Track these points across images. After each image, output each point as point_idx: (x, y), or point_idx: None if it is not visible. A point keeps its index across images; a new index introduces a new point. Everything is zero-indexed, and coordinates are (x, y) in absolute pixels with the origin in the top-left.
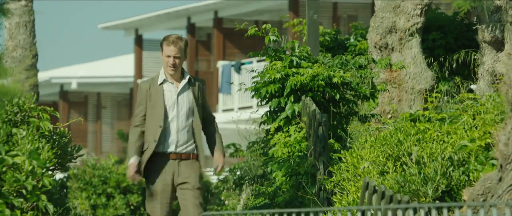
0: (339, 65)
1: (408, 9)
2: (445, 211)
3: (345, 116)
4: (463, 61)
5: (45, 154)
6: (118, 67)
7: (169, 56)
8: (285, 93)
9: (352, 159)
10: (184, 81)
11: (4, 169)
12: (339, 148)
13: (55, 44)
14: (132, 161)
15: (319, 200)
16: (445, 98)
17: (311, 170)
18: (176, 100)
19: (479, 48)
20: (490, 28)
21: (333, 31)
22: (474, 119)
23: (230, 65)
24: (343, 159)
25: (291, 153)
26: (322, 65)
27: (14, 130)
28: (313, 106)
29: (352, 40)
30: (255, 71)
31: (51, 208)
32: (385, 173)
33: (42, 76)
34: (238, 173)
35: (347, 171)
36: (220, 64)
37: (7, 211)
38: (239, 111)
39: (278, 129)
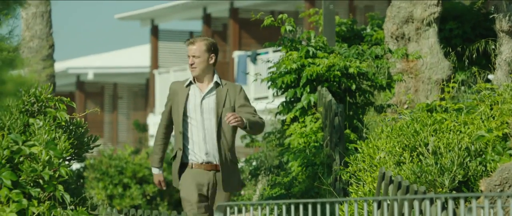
0: (355, 55)
1: None
2: (462, 201)
3: (361, 106)
4: (480, 51)
5: (61, 144)
6: (134, 58)
7: (188, 56)
8: (301, 84)
9: (368, 149)
10: (211, 85)
11: (21, 159)
12: (355, 139)
13: (71, 35)
14: (155, 172)
15: (335, 191)
16: (462, 88)
17: (327, 161)
18: (200, 105)
19: (496, 38)
20: (507, 18)
21: (349, 21)
22: (491, 109)
23: (246, 55)
24: (359, 149)
25: (307, 144)
26: (338, 55)
27: (31, 120)
28: (329, 97)
29: (368, 30)
30: (271, 62)
31: (67, 198)
32: (401, 164)
33: (58, 66)
34: (254, 163)
35: (363, 161)
36: (236, 54)
37: (24, 201)
38: (255, 102)
39: (294, 119)
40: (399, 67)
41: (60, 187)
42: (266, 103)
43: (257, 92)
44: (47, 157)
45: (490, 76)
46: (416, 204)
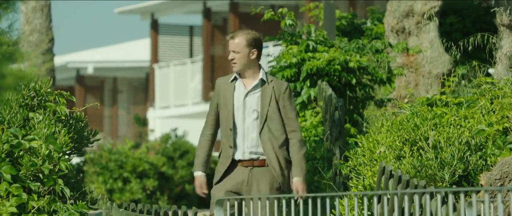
0: (355, 49)
1: None
2: (462, 195)
3: (362, 100)
4: (481, 45)
5: (61, 139)
6: (134, 52)
7: (229, 51)
8: (301, 78)
9: (368, 143)
10: (255, 81)
11: (21, 153)
12: (355, 133)
13: (71, 29)
14: (198, 174)
15: (335, 185)
16: (463, 82)
17: (327, 155)
18: (243, 102)
19: (497, 32)
20: (508, 11)
21: (349, 15)
22: (491, 103)
23: None
24: (359, 143)
25: (307, 138)
26: (338, 49)
27: (30, 114)
28: (329, 91)
29: (368, 24)
30: (271, 56)
31: (67, 192)
32: (401, 158)
33: (58, 60)
34: None
35: (363, 155)
36: None
37: (24, 195)
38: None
39: None
40: (400, 61)
41: (60, 181)
42: None
43: None
44: (47, 151)
45: (491, 70)
46: (416, 198)
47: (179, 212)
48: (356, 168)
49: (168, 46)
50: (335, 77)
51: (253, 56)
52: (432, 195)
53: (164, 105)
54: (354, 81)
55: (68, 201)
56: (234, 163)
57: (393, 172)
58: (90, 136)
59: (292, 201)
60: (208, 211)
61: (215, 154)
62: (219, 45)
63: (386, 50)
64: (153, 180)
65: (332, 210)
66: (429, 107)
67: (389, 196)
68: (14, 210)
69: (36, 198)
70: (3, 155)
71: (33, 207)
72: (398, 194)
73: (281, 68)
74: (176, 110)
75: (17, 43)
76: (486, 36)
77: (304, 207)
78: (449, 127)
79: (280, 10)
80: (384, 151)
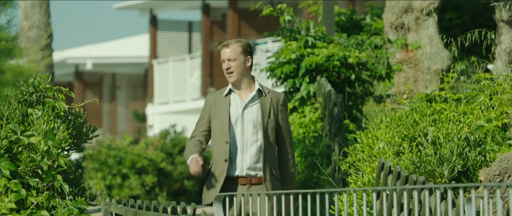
0: (354, 45)
1: None
2: (461, 191)
3: (361, 96)
4: (480, 41)
5: (60, 134)
6: (133, 48)
7: (223, 61)
8: (300, 74)
9: (367, 139)
10: (252, 93)
11: (20, 149)
12: (355, 129)
13: (70, 24)
14: (194, 155)
15: (334, 181)
16: (462, 78)
17: (326, 151)
18: (241, 115)
19: (496, 28)
20: (507, 7)
21: (348, 11)
22: (490, 99)
23: None
24: (358, 139)
25: (306, 134)
26: (338, 45)
27: (29, 110)
28: (328, 87)
29: (367, 20)
30: (270, 52)
31: (66, 188)
32: (400, 154)
33: (57, 56)
34: None
35: (363, 151)
36: None
37: (23, 191)
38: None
39: (293, 109)
40: (399, 57)
41: (59, 177)
42: None
43: None
44: (46, 147)
45: (490, 66)
46: (415, 194)
47: (178, 208)
48: (355, 164)
49: (167, 42)
50: (334, 73)
51: (249, 64)
52: (431, 191)
53: (163, 101)
54: (353, 77)
55: (67, 197)
56: (229, 180)
57: (392, 168)
58: (89, 132)
59: (291, 197)
60: (207, 208)
61: None
62: (218, 41)
63: (385, 46)
64: (152, 176)
65: (331, 206)
66: (428, 103)
67: (388, 192)
68: (13, 206)
69: (35, 194)
70: (2, 151)
71: (32, 203)
72: (397, 190)
73: (280, 64)
74: (175, 106)
75: (16, 38)
76: (484, 32)
77: (303, 203)
78: (448, 123)
79: (279, 6)
80: (383, 147)
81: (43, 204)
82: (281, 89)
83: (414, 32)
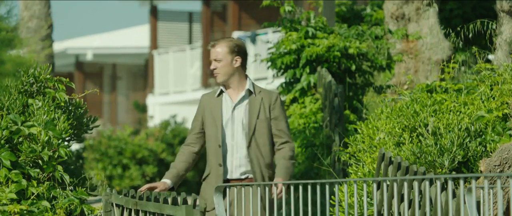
0: (355, 35)
1: None
2: (461, 182)
3: (361, 87)
4: (481, 31)
5: (61, 125)
6: (133, 38)
7: (211, 61)
8: (300, 64)
9: (367, 130)
10: (242, 93)
11: (20, 139)
12: (355, 119)
13: (70, 15)
14: (163, 180)
15: (334, 171)
16: (462, 68)
17: (326, 141)
18: (231, 116)
19: (497, 18)
20: None
21: (349, 1)
22: (491, 89)
23: (245, 36)
24: (358, 130)
25: (307, 124)
26: (338, 35)
27: (30, 100)
28: (329, 77)
29: (368, 10)
30: (271, 42)
31: (67, 178)
32: (401, 144)
33: (57, 46)
34: None
35: (363, 142)
36: (235, 35)
37: (24, 181)
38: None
39: (294, 100)
40: (399, 48)
41: (60, 167)
42: (265, 83)
43: (256, 73)
44: (46, 138)
45: (490, 56)
46: (415, 184)
47: (179, 199)
48: (355, 155)
49: (167, 32)
50: (334, 64)
51: (237, 64)
52: (431, 182)
53: (164, 92)
54: (353, 67)
55: (67, 188)
56: (227, 182)
57: (392, 159)
58: (89, 123)
59: (291, 188)
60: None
61: None
62: (219, 31)
63: (385, 37)
64: (152, 167)
65: (332, 197)
66: (428, 94)
67: (388, 183)
68: (14, 196)
69: (35, 185)
70: (2, 141)
71: (33, 194)
72: (398, 181)
73: (280, 55)
74: (176, 97)
75: (16, 29)
76: (486, 22)
77: (304, 194)
78: (449, 114)
79: None
80: (384, 138)
81: (44, 194)
82: (281, 80)
83: (415, 22)
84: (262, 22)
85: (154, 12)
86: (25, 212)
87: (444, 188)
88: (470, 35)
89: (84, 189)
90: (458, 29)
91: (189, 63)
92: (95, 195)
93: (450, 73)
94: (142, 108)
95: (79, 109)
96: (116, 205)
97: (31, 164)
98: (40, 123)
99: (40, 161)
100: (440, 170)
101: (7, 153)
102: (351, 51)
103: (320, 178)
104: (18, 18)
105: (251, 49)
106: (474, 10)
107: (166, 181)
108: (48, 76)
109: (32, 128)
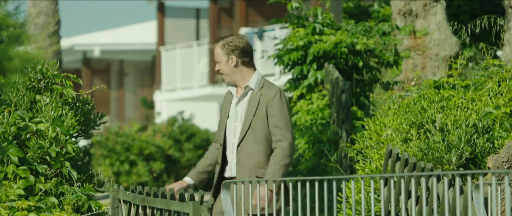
0: (362, 32)
1: None
2: (469, 178)
3: (368, 83)
4: (488, 27)
5: (68, 121)
6: (141, 34)
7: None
8: (307, 61)
9: (375, 126)
10: (242, 90)
11: (28, 135)
12: (362, 116)
13: (77, 11)
14: (183, 180)
15: (341, 168)
16: (470, 64)
17: (333, 138)
18: (235, 113)
19: (505, 14)
20: None
21: None
22: (499, 85)
23: (253, 32)
24: (366, 126)
25: (314, 121)
26: (345, 32)
27: (37, 97)
28: (336, 74)
29: (375, 6)
30: (278, 39)
31: (74, 174)
32: (408, 141)
33: (65, 43)
34: None
35: (370, 138)
36: (243, 31)
37: (31, 178)
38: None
39: (301, 96)
40: (407, 44)
41: (67, 163)
42: (273, 80)
43: (264, 69)
44: (54, 134)
45: (498, 53)
46: (423, 181)
47: (186, 195)
48: (362, 151)
49: (174, 28)
50: (342, 60)
51: (233, 63)
52: (439, 178)
53: (171, 88)
54: (361, 63)
55: (75, 184)
56: (222, 181)
57: (400, 155)
58: (96, 119)
59: (299, 184)
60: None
61: None
62: (226, 27)
63: (393, 33)
64: (159, 163)
65: (339, 193)
66: (436, 90)
67: (396, 179)
68: (22, 192)
69: (43, 181)
70: (10, 138)
71: (41, 190)
72: (405, 177)
73: (287, 51)
74: (183, 93)
75: (24, 25)
76: (493, 18)
77: (311, 190)
78: (456, 110)
79: None
80: (391, 134)
81: (52, 190)
82: (289, 76)
83: (422, 18)
84: (269, 18)
85: (161, 9)
86: (32, 208)
87: (451, 184)
88: (478, 31)
89: (92, 185)
90: (466, 25)
91: (196, 60)
92: (103, 191)
93: (458, 69)
94: (149, 105)
95: (87, 105)
96: (124, 201)
97: (38, 160)
98: (47, 120)
99: (47, 157)
100: (448, 166)
101: (15, 149)
102: (358, 47)
103: (327, 175)
104: (26, 14)
105: (258, 45)
106: (482, 6)
107: (185, 179)
108: (55, 73)
109: (40, 124)
